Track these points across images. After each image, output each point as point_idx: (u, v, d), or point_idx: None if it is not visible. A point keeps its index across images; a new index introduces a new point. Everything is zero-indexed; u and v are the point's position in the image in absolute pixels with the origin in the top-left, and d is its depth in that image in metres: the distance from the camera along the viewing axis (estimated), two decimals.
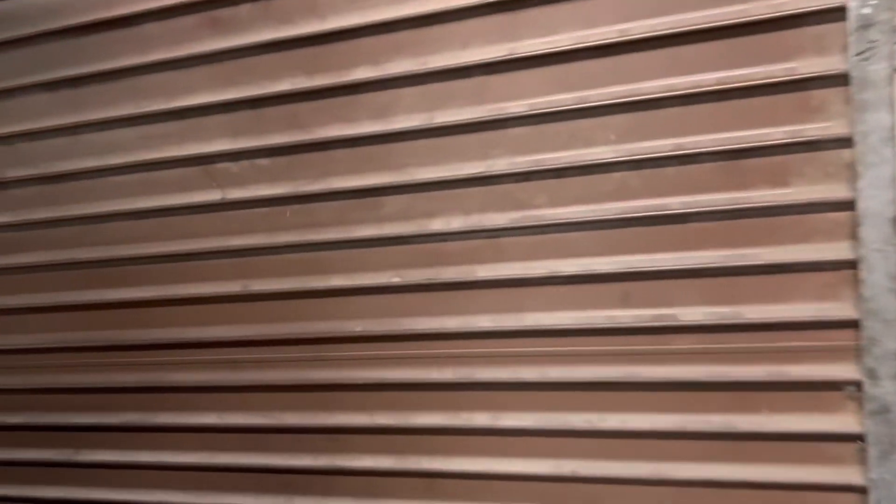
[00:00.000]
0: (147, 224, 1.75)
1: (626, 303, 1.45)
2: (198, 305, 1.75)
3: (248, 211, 1.66)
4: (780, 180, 1.34)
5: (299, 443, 1.74)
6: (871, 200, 1.27)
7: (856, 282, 1.31)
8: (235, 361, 1.75)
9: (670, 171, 1.39)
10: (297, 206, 1.63)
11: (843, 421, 1.37)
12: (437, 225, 1.54)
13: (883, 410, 1.32)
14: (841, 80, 1.27)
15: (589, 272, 1.45)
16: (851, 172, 1.28)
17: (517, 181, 1.48)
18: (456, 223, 1.52)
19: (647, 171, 1.40)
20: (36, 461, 1.99)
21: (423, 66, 1.48)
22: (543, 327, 1.50)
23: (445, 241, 1.54)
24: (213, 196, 1.67)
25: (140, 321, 1.81)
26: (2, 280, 1.91)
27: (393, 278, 1.59)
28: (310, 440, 1.73)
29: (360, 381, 1.65)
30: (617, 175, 1.42)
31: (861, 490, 1.37)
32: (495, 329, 1.53)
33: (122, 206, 1.75)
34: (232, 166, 1.65)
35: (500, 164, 1.47)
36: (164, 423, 1.84)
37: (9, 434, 2.01)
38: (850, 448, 1.37)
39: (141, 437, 1.88)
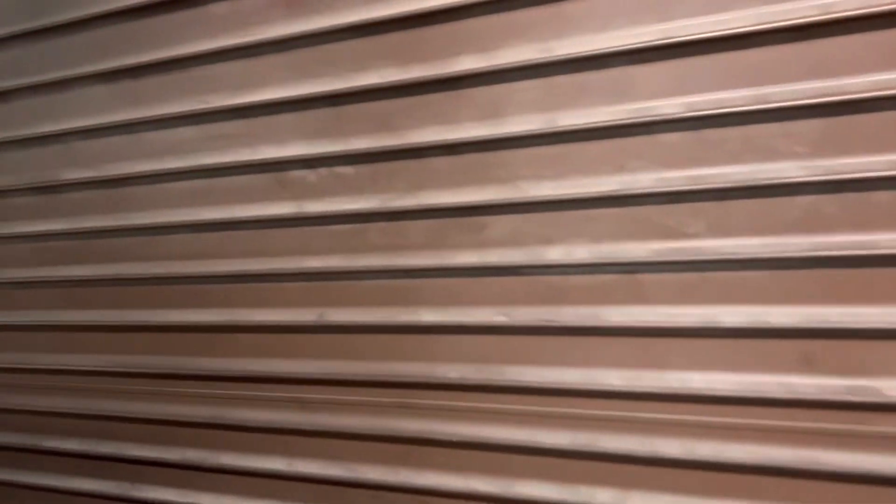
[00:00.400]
0: (211, 238, 1.50)
1: (808, 367, 1.11)
2: (266, 334, 1.50)
3: (325, 228, 1.39)
4: None
5: (379, 501, 1.47)
6: None
7: None
8: (308, 401, 1.49)
9: (882, 196, 1.03)
10: (383, 224, 1.35)
11: None
12: (556, 254, 1.22)
13: None
14: None
15: (759, 325, 1.11)
16: None
17: (665, 202, 1.14)
18: (580, 253, 1.21)
19: (848, 196, 1.05)
20: (90, 492, 1.80)
21: (547, 55, 1.16)
22: (693, 391, 1.17)
23: (566, 274, 1.23)
24: (286, 209, 1.41)
25: (202, 348, 1.58)
26: (57, 294, 1.71)
27: (497, 317, 1.29)
28: (392, 499, 1.46)
29: (454, 438, 1.36)
30: (805, 199, 1.07)
31: None
32: (627, 389, 1.21)
33: (182, 217, 1.51)
34: (308, 174, 1.38)
35: (644, 181, 1.14)
36: (227, 464, 1.61)
37: (63, 460, 1.82)
38: None
39: (202, 476, 1.65)
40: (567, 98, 1.17)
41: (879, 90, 1.00)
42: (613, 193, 1.16)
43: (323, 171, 1.37)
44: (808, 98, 1.03)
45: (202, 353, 1.58)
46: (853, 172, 1.03)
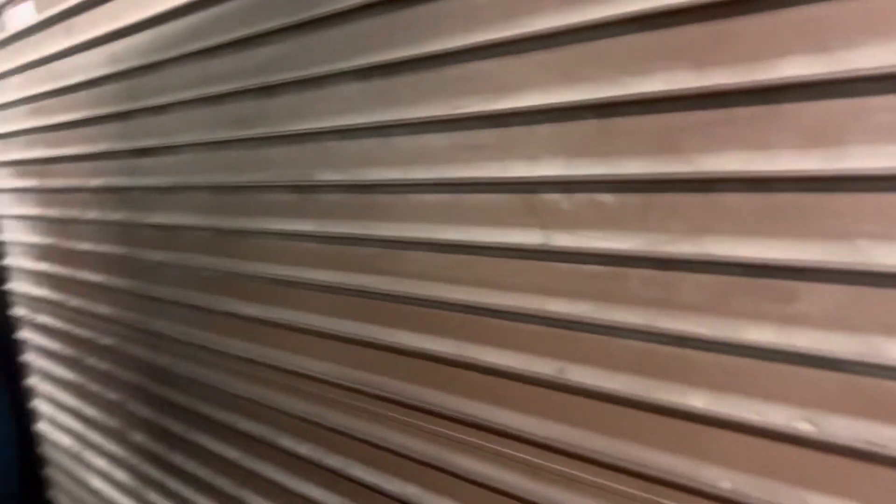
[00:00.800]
0: (448, 260, 1.32)
1: None
2: (498, 379, 1.29)
3: (575, 266, 1.13)
4: None
5: None
6: None
7: None
8: (539, 468, 1.25)
9: None
10: (650, 273, 1.04)
11: None
12: None
13: None
14: None
15: None
16: None
17: None
18: None
19: None
20: (314, 500, 1.75)
21: None
22: None
23: None
24: (531, 238, 1.17)
25: (430, 380, 1.41)
26: (302, 295, 1.66)
27: (799, 422, 0.92)
28: None
29: None
30: None
31: None
32: None
33: (423, 234, 1.35)
34: (562, 200, 1.12)
35: None
36: None
37: (294, 461, 1.80)
38: None
39: None
40: None
41: None
42: None
43: (581, 196, 1.10)
44: None
45: (429, 385, 1.42)
46: None
